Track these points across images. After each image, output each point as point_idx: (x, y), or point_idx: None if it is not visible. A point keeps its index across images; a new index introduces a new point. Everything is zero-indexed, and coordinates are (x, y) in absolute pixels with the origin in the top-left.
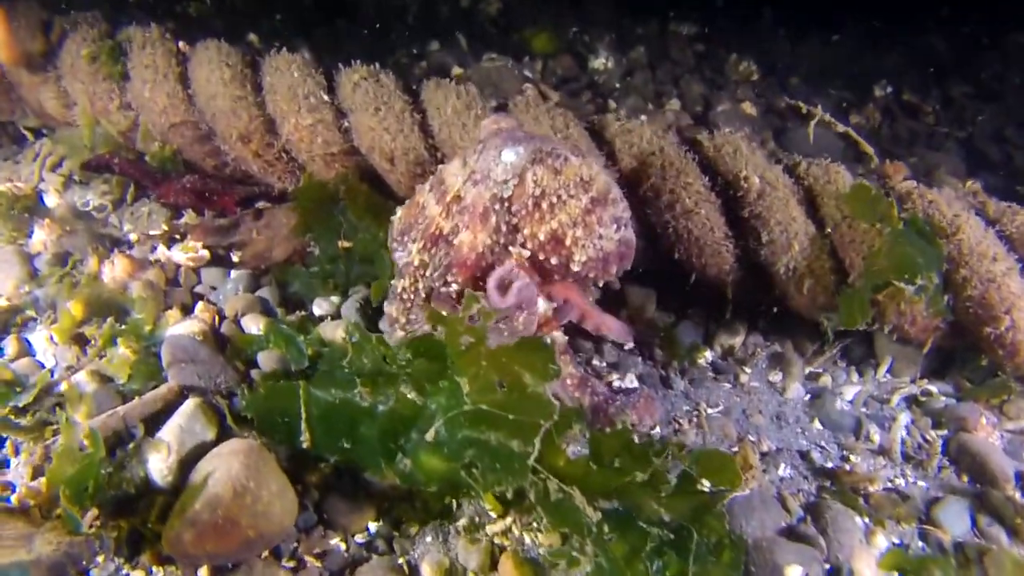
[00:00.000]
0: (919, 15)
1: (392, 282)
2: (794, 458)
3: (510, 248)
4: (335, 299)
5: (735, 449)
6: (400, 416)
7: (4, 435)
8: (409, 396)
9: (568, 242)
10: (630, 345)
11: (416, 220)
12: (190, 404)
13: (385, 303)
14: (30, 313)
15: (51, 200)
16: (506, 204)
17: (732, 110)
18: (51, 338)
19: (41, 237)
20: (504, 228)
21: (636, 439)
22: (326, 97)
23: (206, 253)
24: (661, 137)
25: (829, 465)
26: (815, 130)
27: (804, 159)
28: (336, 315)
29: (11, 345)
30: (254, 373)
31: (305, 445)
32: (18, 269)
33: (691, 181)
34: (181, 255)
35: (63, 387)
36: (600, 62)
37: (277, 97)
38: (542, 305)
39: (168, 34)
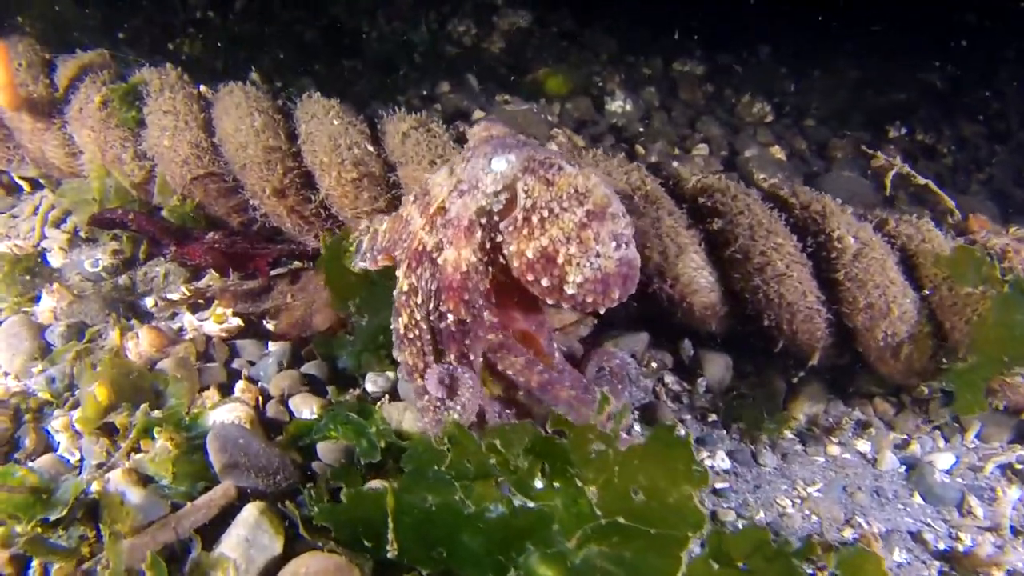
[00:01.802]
0: (912, 50)
1: (392, 325)
2: (906, 540)
3: (489, 268)
4: (390, 374)
5: (854, 537)
6: (514, 526)
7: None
8: (527, 504)
9: (560, 260)
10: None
11: (401, 236)
12: (252, 511)
13: (393, 351)
14: (43, 396)
15: (56, 260)
16: (494, 218)
17: (761, 155)
18: (72, 427)
19: (50, 304)
20: (488, 245)
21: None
22: (371, 148)
23: (239, 322)
24: (747, 194)
25: (941, 546)
26: (835, 173)
27: (890, 215)
28: (393, 392)
29: (28, 437)
30: (316, 466)
31: (392, 555)
32: (28, 344)
33: (782, 242)
34: (213, 326)
35: (94, 489)
36: (618, 104)
37: (316, 148)
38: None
39: (186, 76)
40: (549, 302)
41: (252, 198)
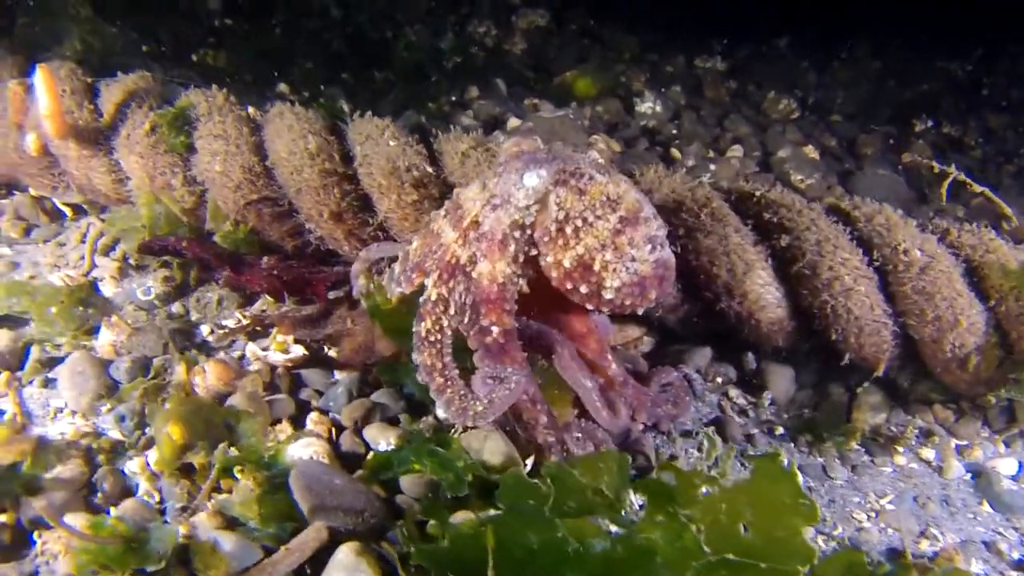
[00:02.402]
0: (932, 40)
1: (413, 328)
2: (981, 550)
3: (520, 280)
4: None
5: (934, 551)
6: (616, 559)
7: None
8: (628, 537)
9: (597, 267)
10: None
11: (432, 249)
12: (349, 553)
13: (413, 353)
14: (114, 435)
15: (107, 289)
16: (527, 231)
17: (795, 154)
18: (148, 467)
19: (109, 338)
20: (521, 258)
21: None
22: (430, 169)
23: (303, 350)
24: (811, 208)
25: (1015, 556)
26: (869, 171)
27: (952, 225)
28: None
29: (106, 481)
30: (400, 501)
31: None
32: (94, 382)
33: (848, 256)
34: (278, 355)
35: (181, 533)
36: (647, 106)
37: (373, 171)
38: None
39: (232, 98)
40: (589, 307)
41: (307, 222)
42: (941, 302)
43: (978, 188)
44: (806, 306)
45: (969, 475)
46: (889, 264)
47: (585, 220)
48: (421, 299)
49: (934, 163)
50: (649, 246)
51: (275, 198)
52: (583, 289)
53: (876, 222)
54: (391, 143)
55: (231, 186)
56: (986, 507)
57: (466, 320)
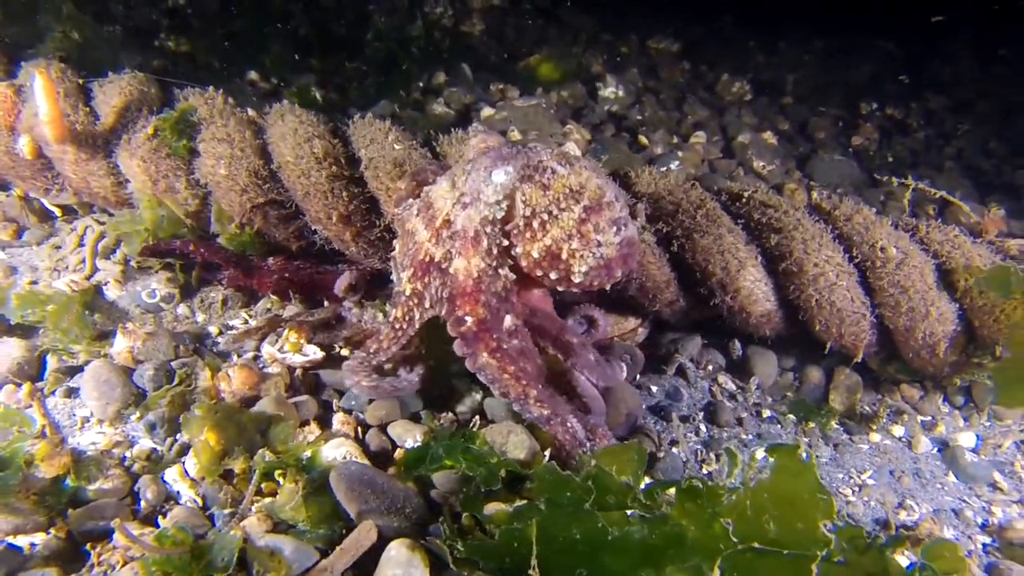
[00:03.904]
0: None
1: (387, 308)
2: (951, 518)
3: (499, 271)
4: (476, 395)
5: (913, 521)
6: (651, 544)
7: None
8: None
9: (565, 255)
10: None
11: (408, 248)
12: (402, 549)
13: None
14: (146, 443)
15: (112, 293)
16: (498, 225)
17: (756, 140)
18: (187, 474)
19: (125, 344)
20: (496, 250)
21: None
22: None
23: (321, 352)
24: (797, 208)
25: (979, 521)
26: (825, 156)
27: (920, 222)
28: (480, 412)
29: (149, 489)
30: (435, 495)
31: None
32: (119, 390)
33: (832, 254)
34: (298, 358)
35: (234, 537)
36: (610, 90)
37: (380, 174)
38: (508, 321)
39: (231, 99)
40: (559, 289)
41: (314, 224)
42: (914, 295)
43: (937, 193)
44: (792, 299)
45: (935, 449)
46: (868, 260)
47: (550, 214)
48: (396, 291)
49: (895, 179)
50: (614, 228)
51: (282, 201)
52: (552, 275)
53: (855, 221)
54: (396, 147)
55: (237, 189)
56: (951, 478)
57: (443, 312)
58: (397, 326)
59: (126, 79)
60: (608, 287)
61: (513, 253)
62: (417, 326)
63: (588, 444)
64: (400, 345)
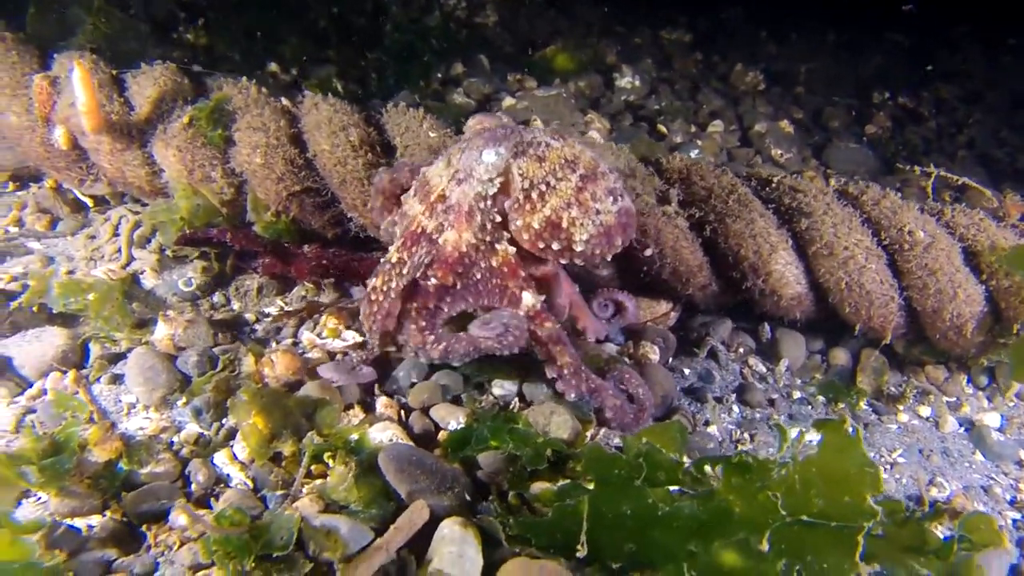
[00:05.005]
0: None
1: (368, 280)
2: (980, 495)
3: (496, 246)
4: (513, 382)
5: (946, 497)
6: (703, 522)
7: None
8: (713, 503)
9: (565, 224)
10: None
11: (401, 225)
12: (454, 527)
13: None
14: (192, 428)
15: (148, 281)
16: (491, 202)
17: (772, 129)
18: (235, 457)
19: (166, 331)
20: (489, 226)
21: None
22: None
23: (358, 337)
24: (825, 193)
25: (1008, 497)
26: (840, 144)
27: (947, 206)
28: (520, 394)
29: (200, 472)
30: (481, 476)
31: (581, 555)
32: (164, 376)
33: (861, 237)
34: (337, 343)
35: (292, 517)
36: (627, 80)
37: (416, 160)
38: (528, 299)
39: (264, 88)
40: (562, 262)
41: (350, 211)
42: (942, 276)
43: (960, 180)
44: (822, 282)
45: (962, 428)
46: (896, 243)
47: (548, 184)
48: (382, 260)
49: (916, 168)
50: (611, 198)
51: (318, 188)
52: (555, 246)
53: (883, 205)
54: (432, 135)
55: (273, 178)
56: (979, 456)
57: (417, 274)
58: (374, 296)
59: (158, 69)
60: (609, 258)
61: (513, 228)
62: (393, 296)
63: (634, 421)
64: (378, 320)
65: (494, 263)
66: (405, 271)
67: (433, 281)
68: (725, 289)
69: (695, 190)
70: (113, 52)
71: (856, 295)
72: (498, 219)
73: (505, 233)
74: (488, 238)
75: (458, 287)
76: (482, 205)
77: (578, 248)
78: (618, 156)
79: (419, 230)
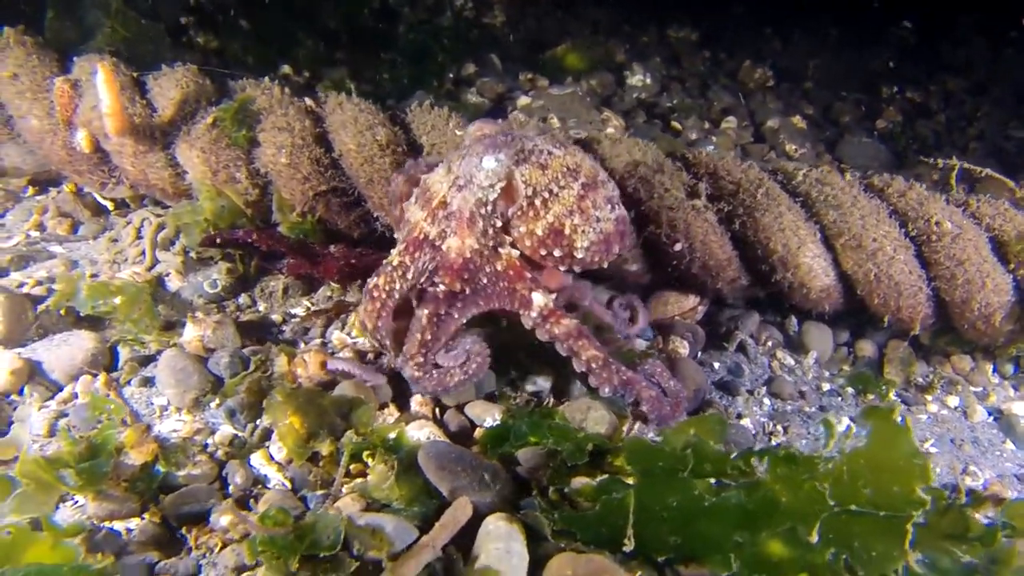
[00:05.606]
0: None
1: (369, 280)
2: (1014, 483)
3: (499, 250)
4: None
5: (981, 486)
6: (750, 512)
7: None
8: (760, 494)
9: (567, 231)
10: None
11: (402, 231)
12: (499, 523)
13: (360, 307)
14: (226, 429)
15: (173, 283)
16: (492, 208)
17: (785, 125)
18: (271, 457)
19: (195, 333)
20: (491, 232)
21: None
22: None
23: None
24: (852, 185)
25: None
26: (852, 139)
27: (971, 197)
28: (554, 389)
29: (238, 473)
30: (520, 471)
31: (628, 550)
32: (196, 378)
33: (889, 229)
34: (368, 343)
35: (338, 516)
36: (638, 78)
37: None
38: (539, 299)
39: (288, 89)
40: (562, 268)
41: (377, 211)
42: (970, 267)
43: (982, 172)
44: (851, 274)
45: (991, 418)
46: (923, 234)
47: (551, 192)
48: (383, 262)
49: (939, 160)
50: (609, 206)
51: (344, 188)
52: (556, 253)
53: (909, 197)
54: (458, 132)
55: (299, 178)
56: (1010, 445)
57: (423, 280)
58: (375, 294)
59: (180, 72)
60: (606, 265)
61: (515, 234)
62: (397, 297)
63: (671, 413)
64: (379, 318)
65: (499, 267)
66: (409, 275)
67: (441, 287)
68: (753, 282)
69: (723, 184)
70: (131, 55)
71: (885, 286)
72: (499, 224)
73: (507, 238)
74: (491, 243)
75: (467, 292)
76: (483, 211)
77: (578, 255)
78: (645, 152)
79: (421, 236)
